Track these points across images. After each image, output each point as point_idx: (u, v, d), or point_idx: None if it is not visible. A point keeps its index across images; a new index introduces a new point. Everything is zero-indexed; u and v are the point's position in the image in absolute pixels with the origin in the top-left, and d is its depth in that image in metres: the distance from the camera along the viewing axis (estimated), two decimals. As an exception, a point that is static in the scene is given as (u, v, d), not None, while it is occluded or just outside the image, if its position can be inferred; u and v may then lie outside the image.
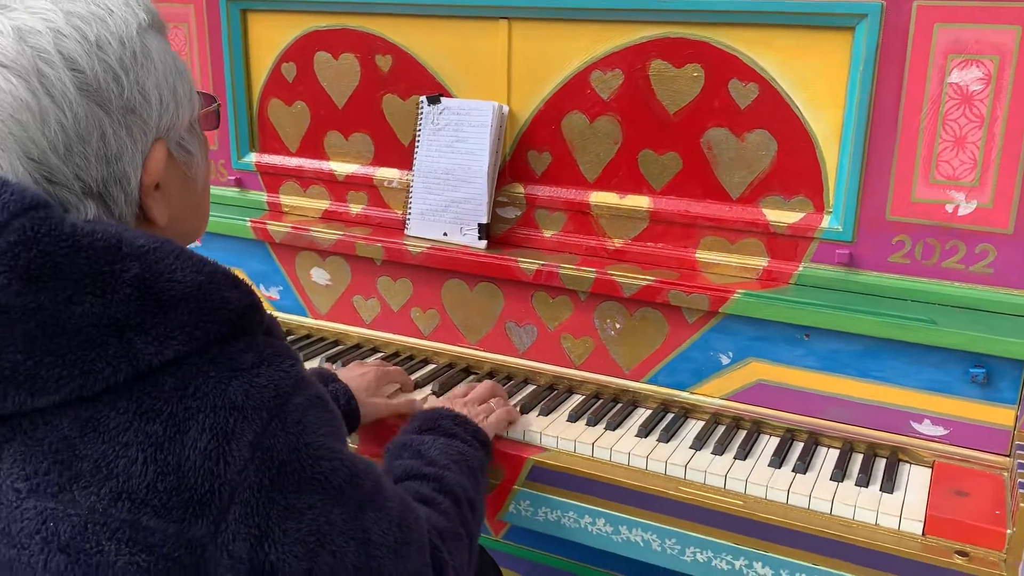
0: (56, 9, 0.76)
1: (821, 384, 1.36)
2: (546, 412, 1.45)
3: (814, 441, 1.36)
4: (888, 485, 1.24)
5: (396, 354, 1.69)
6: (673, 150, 1.49)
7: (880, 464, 1.30)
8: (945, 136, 1.29)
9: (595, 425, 1.41)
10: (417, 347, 1.67)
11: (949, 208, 1.31)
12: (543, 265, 1.50)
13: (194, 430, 0.75)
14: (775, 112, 1.40)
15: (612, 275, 1.45)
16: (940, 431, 1.30)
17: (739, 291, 1.37)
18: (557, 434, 1.38)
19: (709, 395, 1.44)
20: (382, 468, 1.21)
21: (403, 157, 1.71)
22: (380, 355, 1.69)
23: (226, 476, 0.76)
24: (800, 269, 1.42)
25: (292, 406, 0.81)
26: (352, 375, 1.42)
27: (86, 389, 0.73)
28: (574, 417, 1.43)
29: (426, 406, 1.41)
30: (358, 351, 1.70)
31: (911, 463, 1.32)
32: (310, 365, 1.62)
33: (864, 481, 1.25)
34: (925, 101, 1.28)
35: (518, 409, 1.44)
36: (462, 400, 1.38)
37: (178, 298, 0.76)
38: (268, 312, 0.87)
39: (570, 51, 1.52)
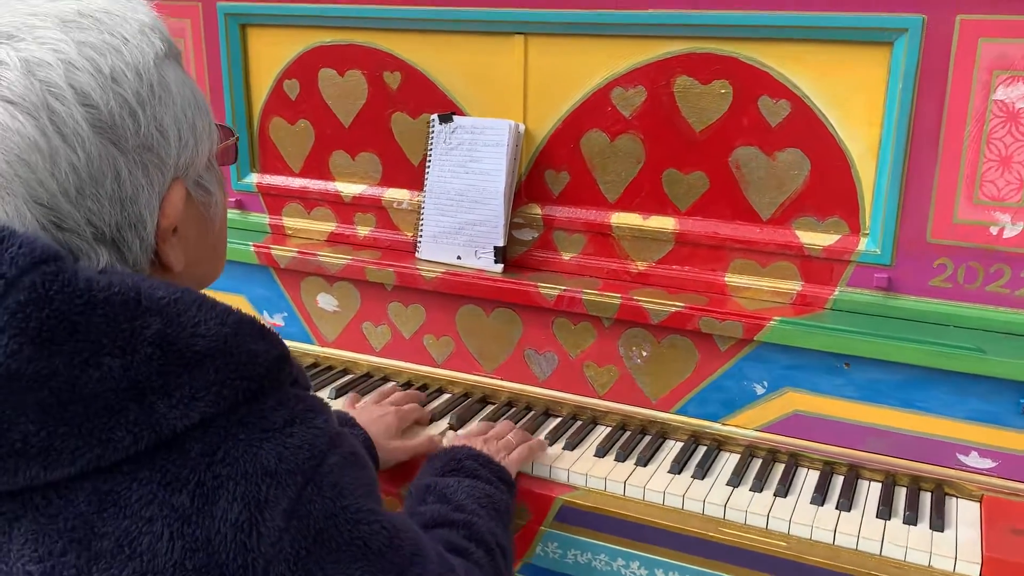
0: (67, 39, 0.69)
1: (861, 415, 1.30)
2: (571, 447, 1.38)
3: (855, 475, 1.30)
4: (938, 523, 1.18)
5: (408, 383, 1.61)
6: (699, 169, 1.42)
7: (926, 499, 1.24)
8: (990, 155, 1.23)
9: (624, 460, 1.34)
10: (431, 375, 1.60)
11: (994, 230, 1.25)
12: (565, 290, 1.43)
13: (224, 500, 0.68)
14: (808, 130, 1.34)
15: (639, 301, 1.38)
16: (988, 463, 1.24)
17: (775, 318, 1.31)
18: (586, 471, 1.31)
19: (743, 426, 1.38)
20: (405, 511, 1.14)
21: (413, 177, 1.64)
22: (392, 383, 1.62)
23: (260, 549, 0.69)
24: (836, 293, 1.36)
25: (327, 467, 0.74)
26: (371, 419, 1.35)
27: (104, 460, 0.66)
28: (602, 452, 1.36)
29: (444, 442, 1.34)
30: (368, 380, 1.63)
31: (958, 496, 1.26)
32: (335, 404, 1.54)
33: (912, 519, 1.19)
34: (969, 118, 1.23)
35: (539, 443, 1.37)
36: (481, 438, 1.31)
37: (203, 354, 0.69)
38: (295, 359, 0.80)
39: (590, 67, 1.45)
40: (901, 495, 1.25)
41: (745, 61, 1.35)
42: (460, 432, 1.40)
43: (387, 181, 1.67)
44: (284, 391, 0.76)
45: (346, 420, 1.29)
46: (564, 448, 1.38)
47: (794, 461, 1.34)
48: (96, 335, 0.65)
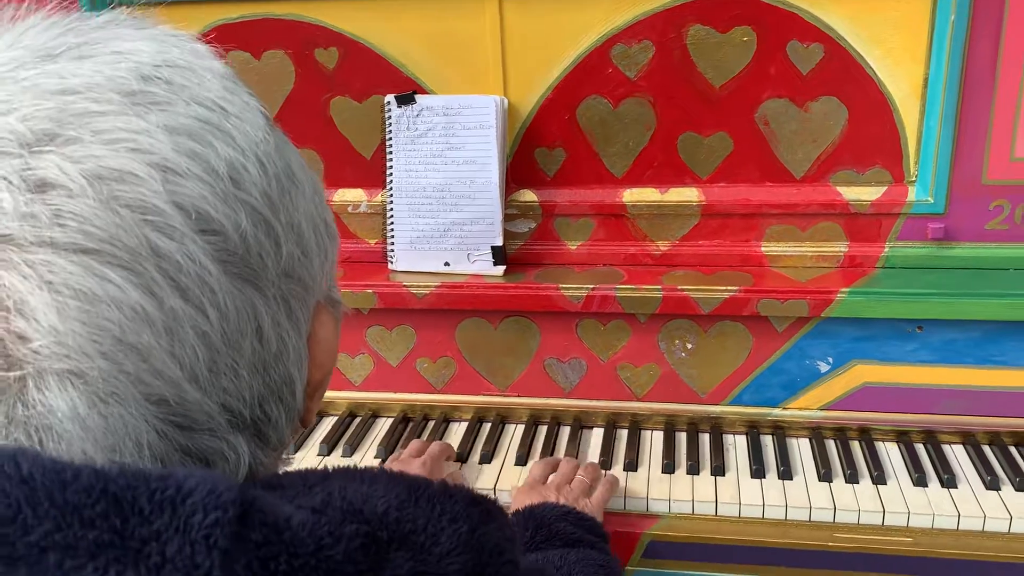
0: (149, 126, 0.41)
1: (936, 378, 1.21)
2: (633, 467, 1.21)
3: (936, 440, 1.22)
4: (1048, 482, 1.12)
5: (405, 417, 1.37)
6: (721, 130, 1.25)
7: (1018, 457, 1.18)
8: (1048, 85, 1.14)
9: (698, 473, 1.19)
10: (430, 403, 1.36)
11: (1053, 164, 1.17)
12: (593, 289, 1.23)
13: None
14: (844, 74, 1.20)
15: (684, 291, 1.21)
16: (1070, 408, 1.20)
17: (842, 290, 1.18)
18: (667, 496, 1.15)
19: (807, 408, 1.26)
20: None
21: (368, 173, 1.36)
22: (386, 418, 1.37)
23: None
24: (887, 250, 1.25)
25: None
26: None
27: None
28: (670, 467, 1.20)
29: (508, 496, 1.14)
30: (352, 419, 1.37)
31: (1042, 446, 1.21)
32: (310, 458, 1.28)
33: (1023, 484, 1.12)
34: (1027, 47, 1.12)
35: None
36: (553, 487, 1.11)
37: None
38: None
39: (583, 24, 1.23)
40: (992, 457, 1.18)
41: (769, 3, 1.18)
42: (521, 484, 1.18)
43: (333, 181, 1.38)
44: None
45: None
46: (625, 469, 1.21)
47: (867, 436, 1.24)
48: None
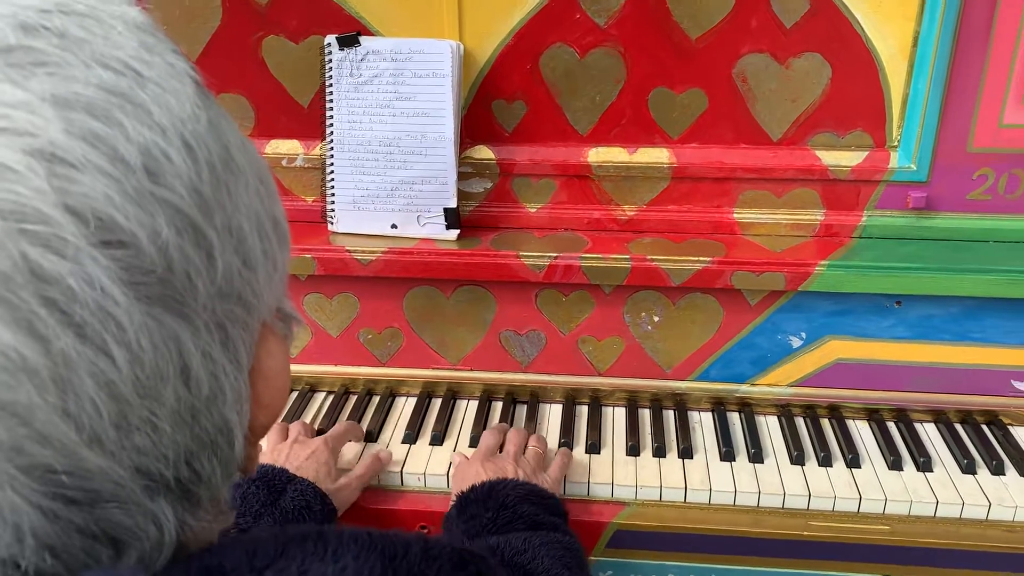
0: (31, 96, 0.29)
1: (911, 355, 1.16)
2: (596, 449, 1.13)
3: (907, 419, 1.17)
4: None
5: (345, 390, 1.26)
6: (696, 86, 1.15)
7: (992, 438, 1.14)
8: (1043, 47, 1.07)
9: (664, 455, 1.12)
10: (374, 377, 1.26)
11: (1042, 132, 1.11)
12: (556, 258, 1.13)
13: None
14: (830, 30, 1.11)
15: (655, 261, 1.12)
16: (1044, 386, 1.16)
17: (821, 263, 1.10)
18: (633, 482, 1.07)
19: (775, 384, 1.19)
20: None
21: (305, 123, 1.23)
22: (324, 392, 1.26)
23: None
24: (864, 219, 1.18)
25: None
26: (301, 463, 1.02)
27: None
28: (635, 449, 1.12)
29: (451, 468, 1.05)
30: (289, 396, 1.25)
31: (1013, 425, 1.17)
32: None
33: (999, 467, 1.08)
34: (1025, 6, 1.05)
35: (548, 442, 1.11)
36: (511, 460, 1.02)
37: None
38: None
39: (549, -38, 1.11)
40: (965, 437, 1.14)
41: (754, -54, 1.07)
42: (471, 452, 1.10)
43: (264, 131, 1.24)
44: None
45: (282, 479, 0.97)
46: (588, 451, 1.13)
47: (837, 414, 1.18)
48: None
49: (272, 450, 1.06)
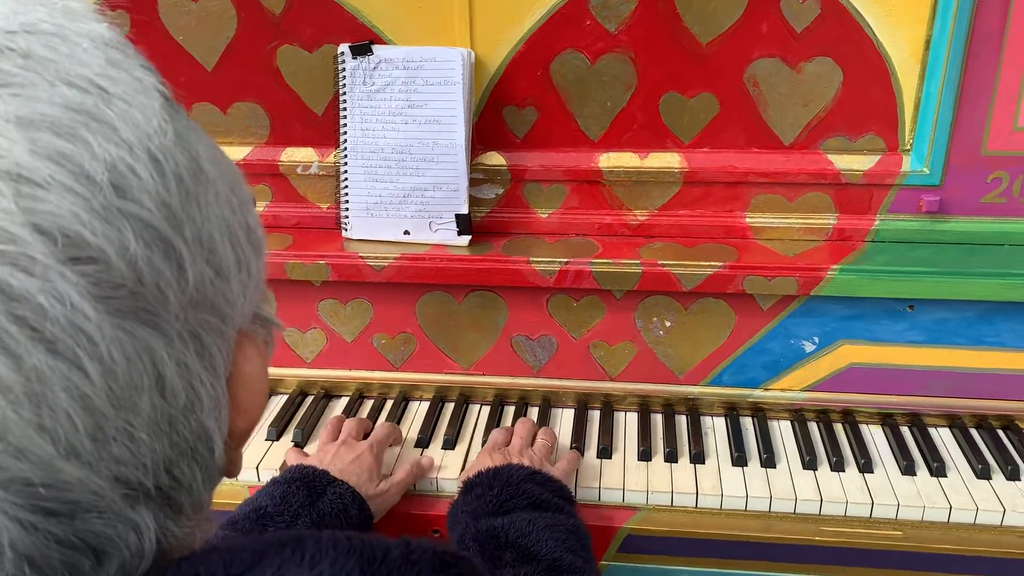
0: None
1: (925, 359, 1.15)
2: (607, 454, 1.13)
3: (921, 424, 1.17)
4: (1038, 471, 1.07)
5: (360, 395, 1.27)
6: (707, 90, 1.16)
7: (1008, 443, 1.13)
8: (1057, 50, 1.06)
9: (676, 461, 1.12)
10: (387, 381, 1.27)
11: (1056, 134, 1.11)
12: (567, 263, 1.14)
13: None
14: (841, 34, 1.11)
15: (666, 266, 1.12)
16: (1060, 391, 1.15)
17: (833, 267, 1.10)
18: (645, 487, 1.07)
19: (788, 388, 1.19)
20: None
21: (319, 131, 1.24)
22: (340, 398, 1.27)
23: None
24: (877, 224, 1.17)
25: None
26: (345, 466, 1.02)
27: None
28: (646, 454, 1.12)
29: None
30: (303, 399, 1.27)
31: (1030, 430, 1.16)
32: (257, 442, 1.17)
33: (1015, 472, 1.07)
34: (1038, 8, 1.04)
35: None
36: (517, 450, 1.04)
37: None
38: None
39: (559, -31, 1.11)
40: (981, 442, 1.13)
41: (764, -49, 1.07)
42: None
43: (280, 139, 1.26)
44: None
45: (323, 480, 0.97)
46: (599, 456, 1.13)
47: (851, 419, 1.18)
48: None
49: (319, 449, 1.08)
